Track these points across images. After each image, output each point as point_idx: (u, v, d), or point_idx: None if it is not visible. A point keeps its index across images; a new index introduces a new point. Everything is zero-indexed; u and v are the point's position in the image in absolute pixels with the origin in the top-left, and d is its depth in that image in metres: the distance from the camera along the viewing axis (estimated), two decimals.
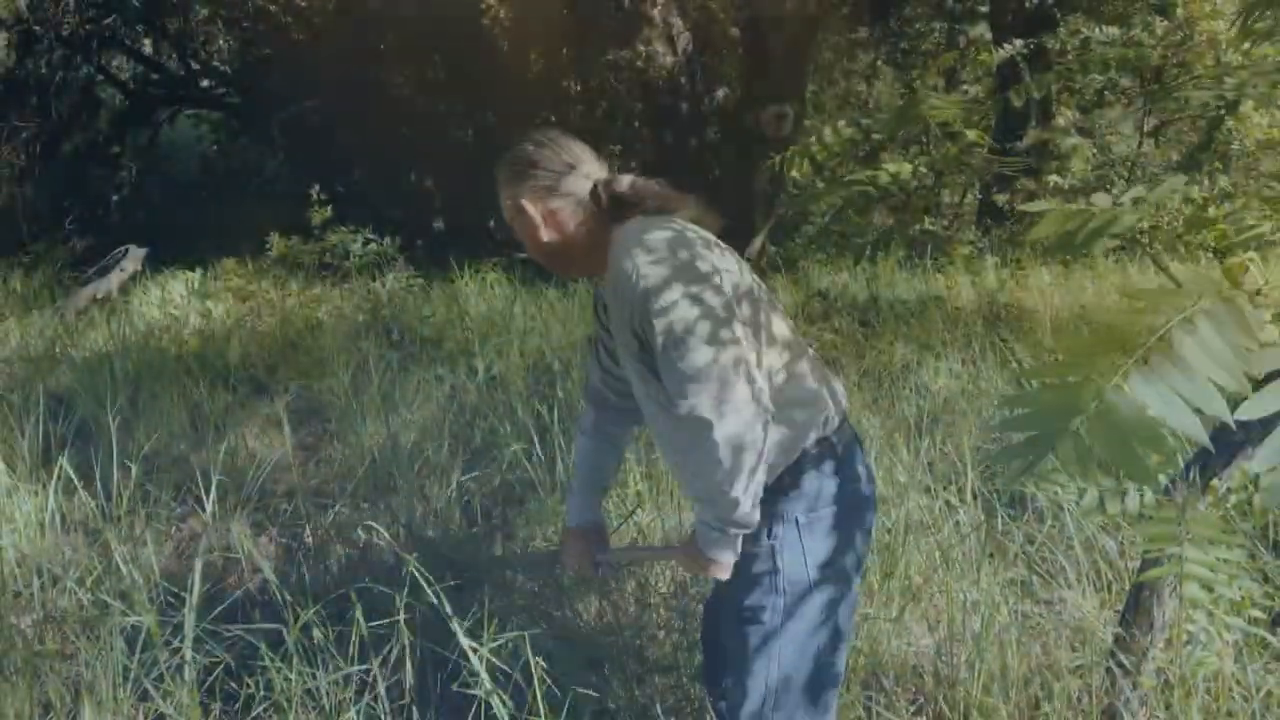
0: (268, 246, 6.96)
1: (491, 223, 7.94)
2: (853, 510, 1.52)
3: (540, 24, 7.39)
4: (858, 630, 2.23)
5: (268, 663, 2.03)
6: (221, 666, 2.12)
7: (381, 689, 2.01)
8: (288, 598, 2.15)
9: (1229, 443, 1.68)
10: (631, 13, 6.93)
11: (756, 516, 1.39)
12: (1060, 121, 9.67)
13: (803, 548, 1.47)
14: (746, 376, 1.33)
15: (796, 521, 1.47)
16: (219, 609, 2.26)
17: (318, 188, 6.66)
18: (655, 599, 2.49)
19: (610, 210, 1.50)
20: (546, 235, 1.53)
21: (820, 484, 1.48)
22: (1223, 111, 7.69)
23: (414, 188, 8.84)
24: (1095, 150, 9.76)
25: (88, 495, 2.76)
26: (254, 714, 2.03)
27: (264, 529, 3.11)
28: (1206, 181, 7.54)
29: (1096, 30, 8.87)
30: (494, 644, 1.86)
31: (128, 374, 4.36)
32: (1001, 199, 8.17)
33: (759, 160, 6.38)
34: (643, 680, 2.18)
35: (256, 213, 8.46)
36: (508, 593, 2.57)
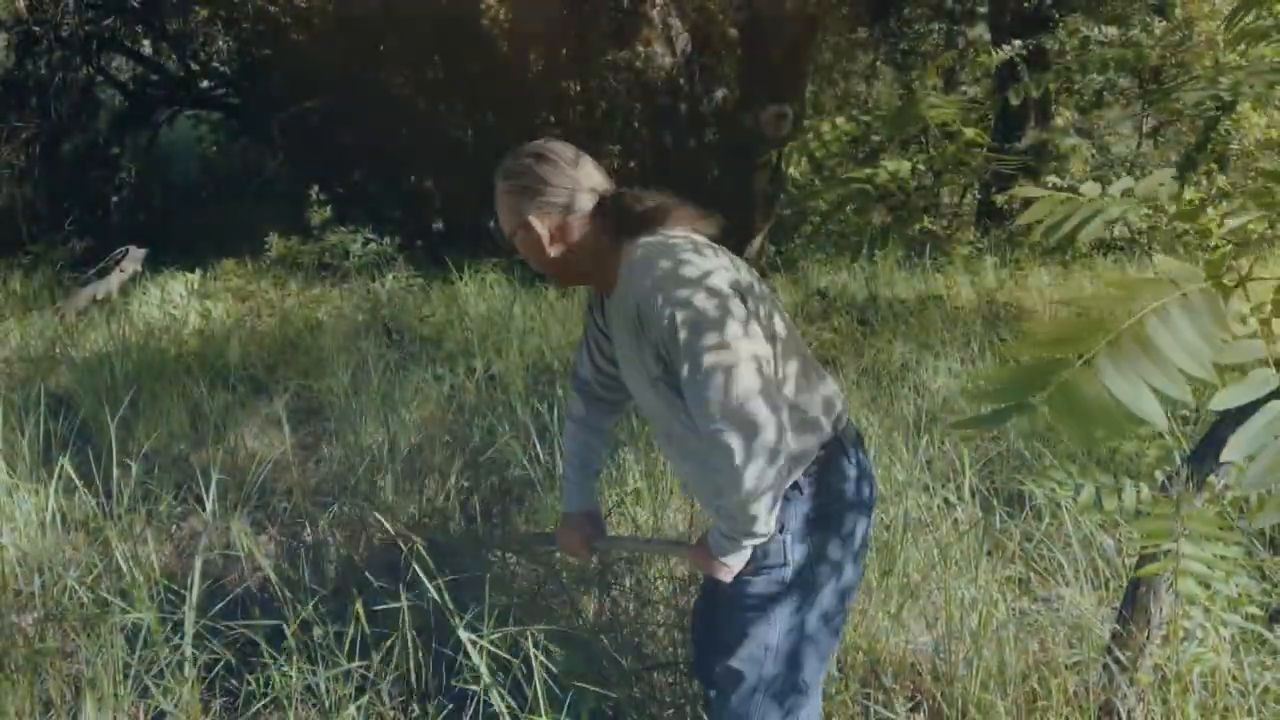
0: (267, 247, 6.97)
1: (491, 223, 7.93)
2: (854, 506, 1.54)
3: (540, 24, 7.40)
4: (856, 627, 2.23)
5: (268, 659, 2.04)
6: (222, 663, 2.12)
7: (383, 686, 2.02)
8: (287, 595, 2.16)
9: (1225, 439, 1.69)
10: (630, 14, 6.95)
11: (772, 526, 1.42)
12: (1059, 122, 9.70)
13: (805, 543, 1.49)
14: (771, 401, 1.33)
15: (800, 517, 1.49)
16: (219, 606, 2.27)
17: (317, 188, 6.68)
18: (655, 596, 2.50)
19: (617, 223, 1.49)
20: (554, 251, 1.52)
21: (825, 481, 1.50)
22: (1219, 112, 7.70)
23: (414, 188, 8.84)
24: (1094, 150, 9.78)
25: (88, 494, 2.76)
26: (254, 710, 2.03)
27: (264, 527, 3.12)
28: (1204, 181, 7.56)
29: (1095, 30, 8.90)
30: (493, 636, 1.86)
31: (128, 374, 4.36)
32: (1001, 199, 8.19)
33: (758, 161, 6.39)
34: (641, 677, 2.19)
35: (256, 213, 8.49)
36: (507, 590, 2.57)
